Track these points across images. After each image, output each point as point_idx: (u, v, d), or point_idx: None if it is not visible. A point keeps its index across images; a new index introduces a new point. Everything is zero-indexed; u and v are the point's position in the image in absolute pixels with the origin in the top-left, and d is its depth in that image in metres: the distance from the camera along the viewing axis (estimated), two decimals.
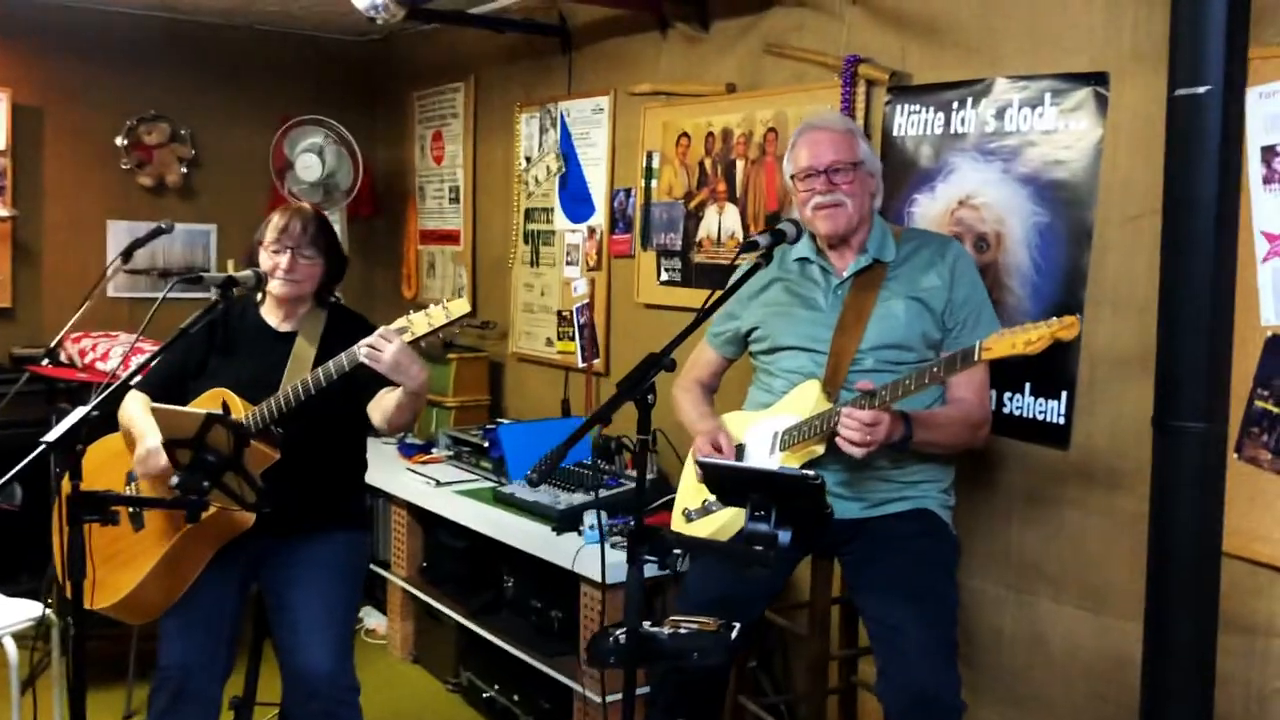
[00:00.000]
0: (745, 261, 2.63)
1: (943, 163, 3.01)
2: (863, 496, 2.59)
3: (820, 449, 2.52)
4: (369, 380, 2.67)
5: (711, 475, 1.92)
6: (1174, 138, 2.04)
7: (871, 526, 2.59)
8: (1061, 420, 2.77)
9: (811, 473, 1.78)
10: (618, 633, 2.08)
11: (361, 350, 2.54)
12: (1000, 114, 2.87)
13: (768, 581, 2.66)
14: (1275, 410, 2.35)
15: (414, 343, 2.58)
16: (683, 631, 2.11)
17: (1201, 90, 1.94)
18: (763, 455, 2.56)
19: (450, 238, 5.23)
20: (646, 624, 2.10)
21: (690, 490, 2.77)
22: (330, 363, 2.63)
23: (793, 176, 2.64)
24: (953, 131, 2.99)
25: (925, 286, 2.58)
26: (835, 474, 2.55)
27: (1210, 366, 2.02)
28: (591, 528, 3.41)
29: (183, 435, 2.38)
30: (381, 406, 2.74)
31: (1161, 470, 2.10)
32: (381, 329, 2.57)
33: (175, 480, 2.35)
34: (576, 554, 3.32)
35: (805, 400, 2.58)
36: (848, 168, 2.56)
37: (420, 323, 2.59)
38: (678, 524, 2.76)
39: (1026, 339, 2.13)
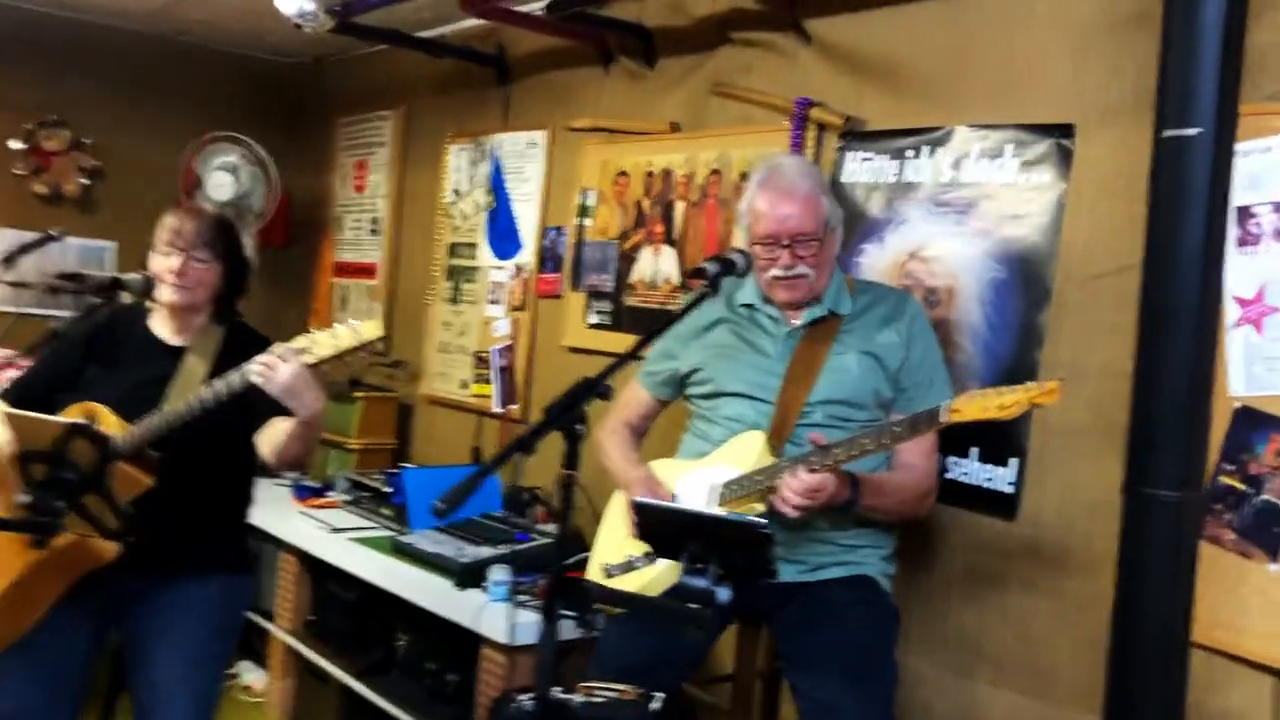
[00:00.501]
0: (690, 291, 2.43)
1: (894, 213, 2.87)
2: (800, 559, 2.39)
3: (761, 506, 2.32)
4: (260, 405, 2.40)
5: (649, 518, 1.69)
6: (1159, 182, 1.90)
7: (807, 592, 2.39)
8: (1010, 489, 2.60)
9: (762, 520, 1.56)
10: (523, 699, 1.83)
11: (253, 369, 2.28)
12: (957, 164, 2.74)
13: (692, 648, 2.43)
14: (1240, 487, 2.21)
15: (314, 366, 2.32)
16: (598, 700, 1.87)
17: (1192, 132, 1.81)
18: (698, 509, 2.34)
19: (367, 271, 4.97)
20: (556, 690, 1.85)
21: (611, 544, 2.53)
22: (218, 381, 2.36)
23: (752, 240, 2.43)
24: (906, 181, 2.85)
25: (881, 343, 2.42)
26: (778, 534, 2.34)
27: (1189, 430, 1.87)
28: (498, 584, 3.14)
29: (40, 446, 2.09)
30: (271, 437, 2.46)
31: (1131, 542, 1.93)
32: (278, 346, 2.32)
33: (25, 498, 2.05)
34: (479, 612, 3.04)
35: (747, 452, 2.37)
36: (814, 236, 2.38)
37: (324, 343, 2.34)
38: (596, 580, 2.52)
39: (1000, 403, 1.96)
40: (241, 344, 2.56)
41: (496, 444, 4.15)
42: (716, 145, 3.35)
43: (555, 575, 1.74)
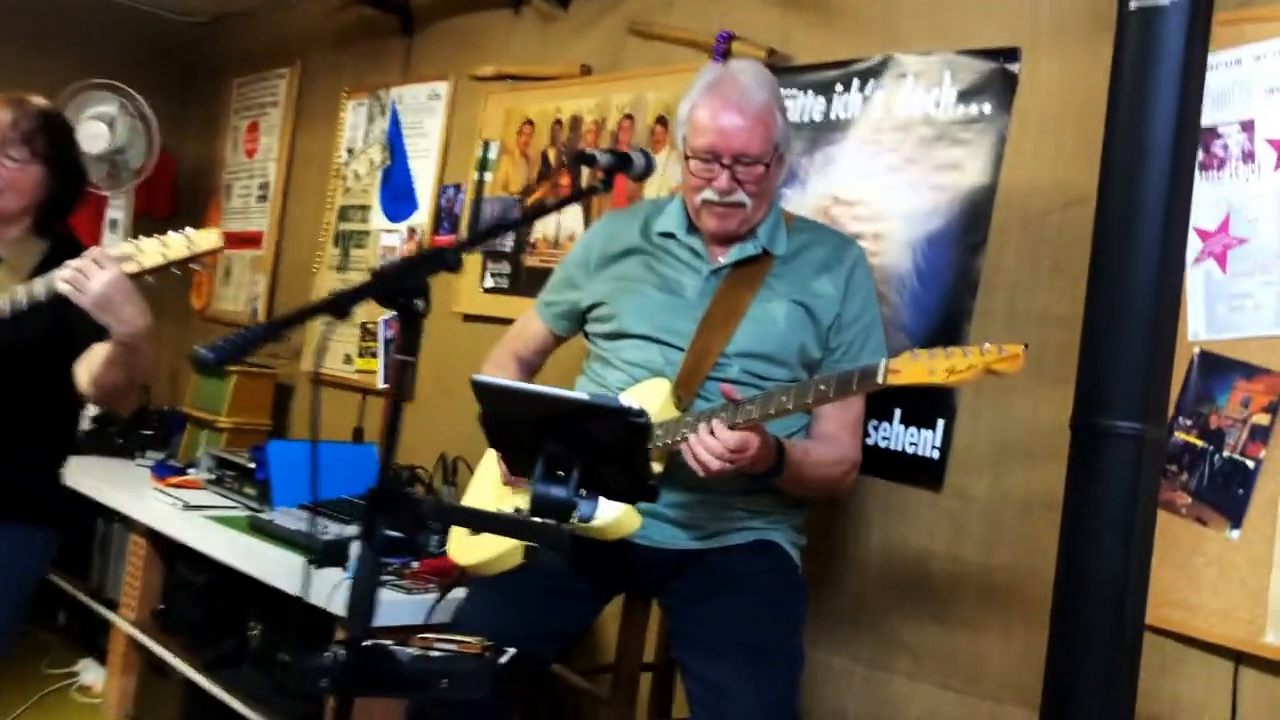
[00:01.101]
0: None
1: (817, 154, 2.58)
2: (697, 524, 2.06)
3: (659, 467, 1.99)
4: (79, 326, 2.03)
5: (493, 405, 1.33)
6: (1123, 62, 1.62)
7: (705, 560, 2.06)
8: (935, 455, 2.31)
9: (635, 405, 1.22)
10: (339, 649, 1.46)
11: (61, 274, 1.92)
12: (889, 98, 2.47)
13: (563, 620, 2.08)
14: (1198, 443, 1.93)
15: (136, 277, 1.98)
16: (434, 654, 1.51)
17: (1164, 1, 1.54)
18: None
19: (253, 241, 4.57)
20: (388, 642, 1.49)
21: (483, 489, 2.19)
22: (19, 289, 1.99)
23: (686, 156, 2.08)
24: (833, 118, 2.57)
25: (815, 292, 2.09)
26: (665, 494, 2.02)
27: (1153, 354, 1.58)
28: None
29: None
30: (89, 362, 2.09)
31: (1077, 490, 1.63)
32: (93, 251, 1.96)
33: None
34: (335, 592, 2.66)
35: (647, 403, 2.02)
36: (757, 161, 2.03)
37: (151, 252, 2.00)
38: (459, 545, 2.17)
39: (950, 366, 1.63)
40: (68, 259, 2.18)
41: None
42: (631, 88, 3.05)
43: (375, 488, 1.39)
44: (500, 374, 2.33)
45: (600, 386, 2.15)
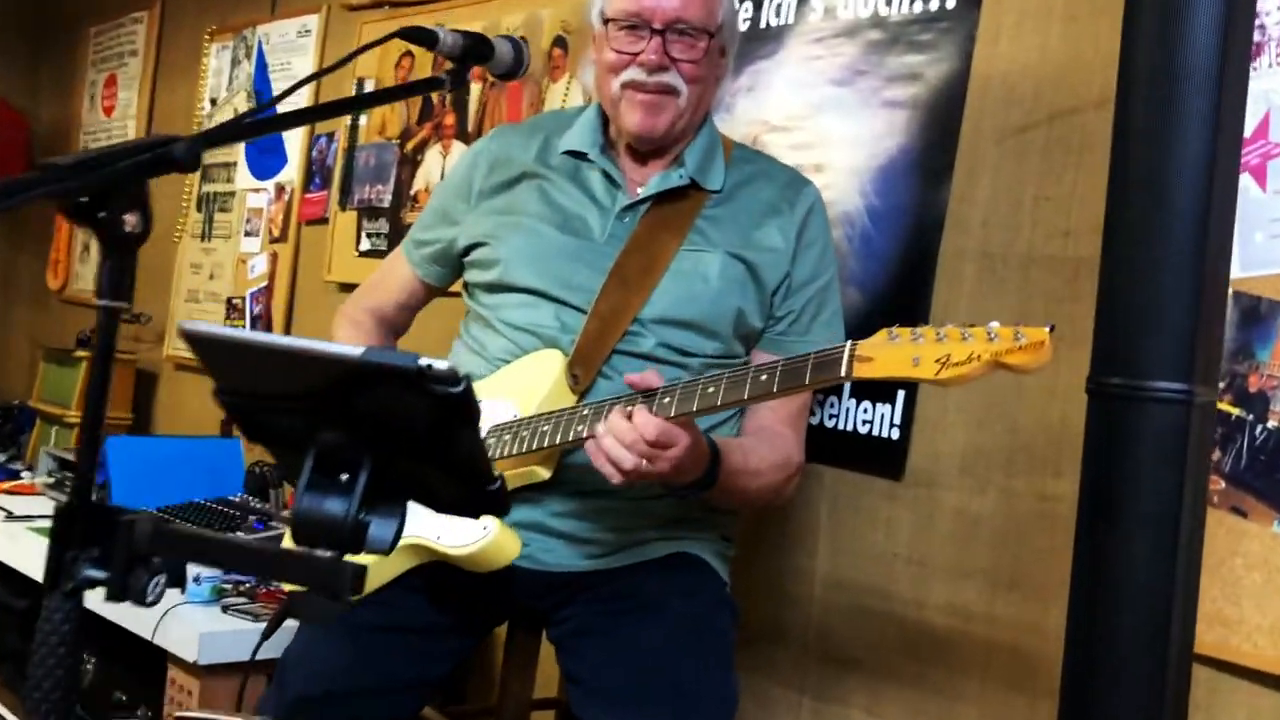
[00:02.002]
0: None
1: (747, 71, 2.12)
2: (595, 539, 1.59)
3: (546, 473, 1.53)
4: None
5: (223, 366, 0.82)
6: None
7: (608, 582, 1.59)
8: (895, 435, 1.85)
9: (442, 366, 0.73)
10: None
11: None
12: None
13: (420, 665, 1.59)
14: (1234, 412, 1.50)
15: None
16: None
17: None
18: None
19: None
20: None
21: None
22: None
23: (606, 20, 1.61)
24: (763, 26, 2.11)
25: (760, 245, 1.62)
26: (558, 502, 1.56)
27: (1201, 291, 1.13)
28: (200, 581, 2.28)
29: None
30: None
31: (1103, 471, 1.18)
32: None
33: None
34: (163, 620, 2.16)
35: (537, 382, 1.57)
36: (698, 34, 1.58)
37: None
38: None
39: (942, 355, 1.18)
40: None
41: None
42: (523, 6, 2.57)
43: (67, 502, 0.90)
44: (352, 333, 1.85)
45: (477, 356, 1.67)
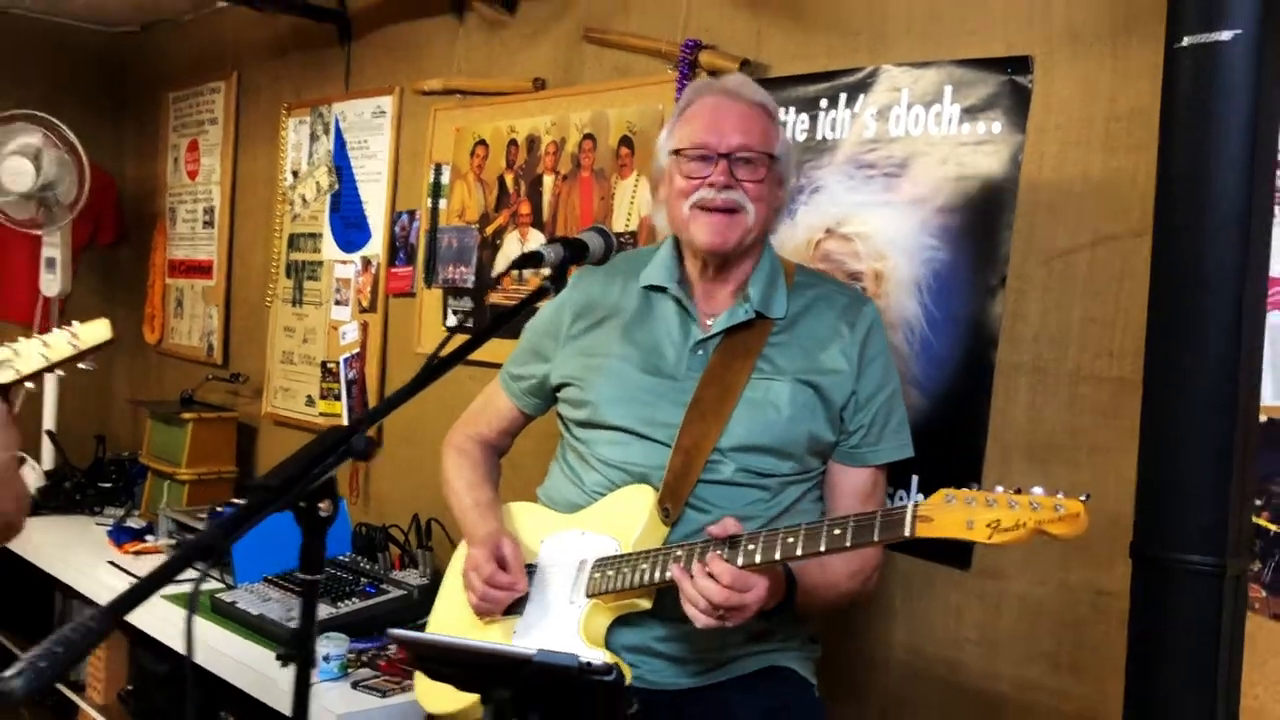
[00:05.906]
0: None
1: (805, 180, 2.27)
2: (694, 658, 1.76)
3: (647, 604, 1.71)
4: None
5: (422, 656, 1.04)
6: (1176, 106, 1.32)
7: (700, 701, 1.76)
8: None
9: (605, 660, 0.93)
10: None
11: None
12: (883, 114, 2.15)
13: None
14: (1271, 528, 1.66)
15: (18, 385, 1.72)
16: None
17: (1226, 36, 1.23)
18: (561, 597, 1.72)
19: (202, 270, 4.25)
20: None
21: (450, 616, 1.90)
22: None
23: (675, 152, 1.78)
24: (820, 138, 2.26)
25: (824, 368, 1.77)
26: (655, 628, 1.74)
27: (1226, 466, 1.29)
28: (329, 659, 2.50)
29: None
30: None
31: (1146, 626, 1.35)
32: None
33: None
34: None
35: (631, 517, 1.74)
36: (760, 159, 1.74)
37: (29, 355, 1.74)
38: (425, 686, 1.88)
39: (994, 521, 1.35)
40: None
41: (349, 470, 3.49)
42: (589, 104, 2.73)
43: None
44: (461, 462, 2.04)
45: (575, 486, 1.86)
